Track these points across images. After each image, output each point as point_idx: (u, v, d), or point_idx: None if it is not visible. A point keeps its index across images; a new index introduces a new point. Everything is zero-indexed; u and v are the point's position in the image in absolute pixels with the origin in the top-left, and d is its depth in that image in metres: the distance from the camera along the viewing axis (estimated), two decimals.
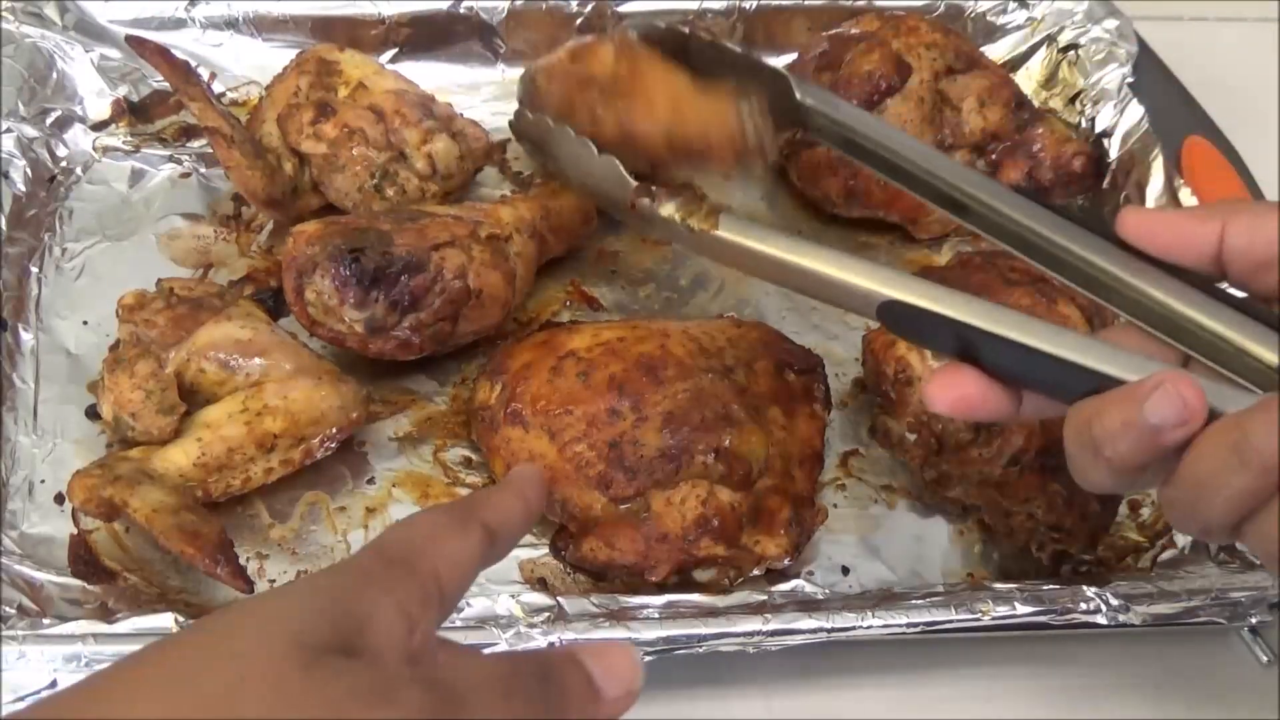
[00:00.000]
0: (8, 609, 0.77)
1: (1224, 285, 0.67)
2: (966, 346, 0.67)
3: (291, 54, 1.06)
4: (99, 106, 1.09)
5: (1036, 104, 1.14)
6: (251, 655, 0.44)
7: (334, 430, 0.86)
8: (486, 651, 0.75)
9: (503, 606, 0.80)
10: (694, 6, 1.19)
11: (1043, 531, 0.85)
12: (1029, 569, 0.89)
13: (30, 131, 1.03)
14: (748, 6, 1.19)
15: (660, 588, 0.82)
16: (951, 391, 0.66)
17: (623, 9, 1.17)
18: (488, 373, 0.91)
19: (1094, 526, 0.85)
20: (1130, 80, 1.13)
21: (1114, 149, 1.10)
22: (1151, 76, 1.14)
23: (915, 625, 0.79)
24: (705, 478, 0.82)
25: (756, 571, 0.84)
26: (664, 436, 0.82)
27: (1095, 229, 0.69)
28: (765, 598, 0.83)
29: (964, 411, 0.68)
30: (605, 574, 0.83)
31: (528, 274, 0.96)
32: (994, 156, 1.07)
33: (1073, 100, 1.17)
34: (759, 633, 0.78)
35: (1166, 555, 0.90)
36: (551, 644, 0.76)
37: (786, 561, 0.83)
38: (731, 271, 1.06)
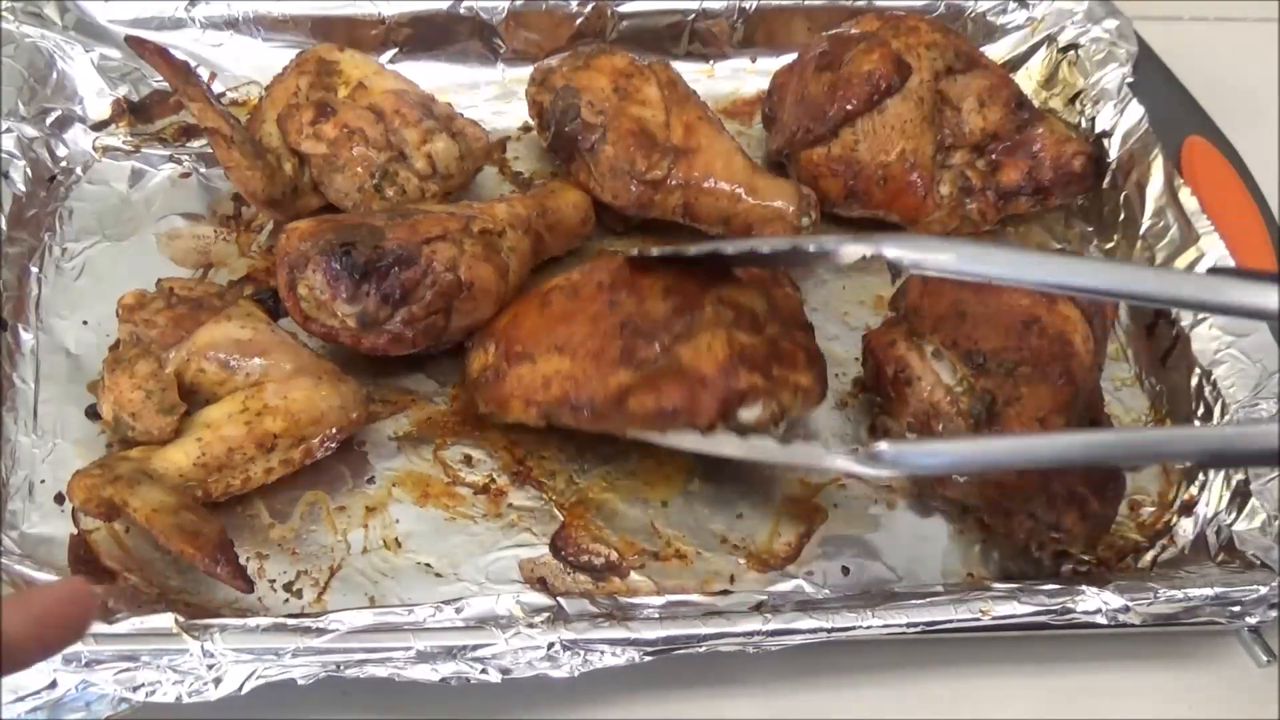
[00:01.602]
0: None
1: None
2: None
3: (291, 54, 1.06)
4: (99, 106, 1.09)
5: (1036, 104, 1.14)
6: None
7: (334, 430, 0.86)
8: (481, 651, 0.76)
9: (503, 606, 0.80)
10: (694, 6, 1.19)
11: (1043, 531, 0.85)
12: (1029, 569, 0.89)
13: (30, 131, 1.03)
14: (748, 6, 1.19)
15: (700, 442, 0.80)
16: None
17: (623, 9, 1.17)
18: (475, 344, 0.91)
19: (1094, 526, 0.85)
20: (1130, 80, 1.13)
21: (1114, 149, 1.10)
22: (1151, 76, 1.14)
23: (915, 625, 0.79)
24: (719, 324, 0.82)
25: (798, 414, 0.85)
26: (668, 300, 0.83)
27: None
28: (765, 598, 0.83)
29: None
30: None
31: (522, 269, 0.96)
32: (994, 156, 1.07)
33: (1073, 100, 1.17)
34: (759, 633, 0.78)
35: (1166, 555, 0.90)
36: (551, 644, 0.76)
37: (816, 405, 0.86)
38: None
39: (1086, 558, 0.89)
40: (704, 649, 0.78)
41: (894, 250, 0.70)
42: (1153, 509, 0.93)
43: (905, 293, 0.95)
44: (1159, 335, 1.01)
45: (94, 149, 1.07)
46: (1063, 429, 0.76)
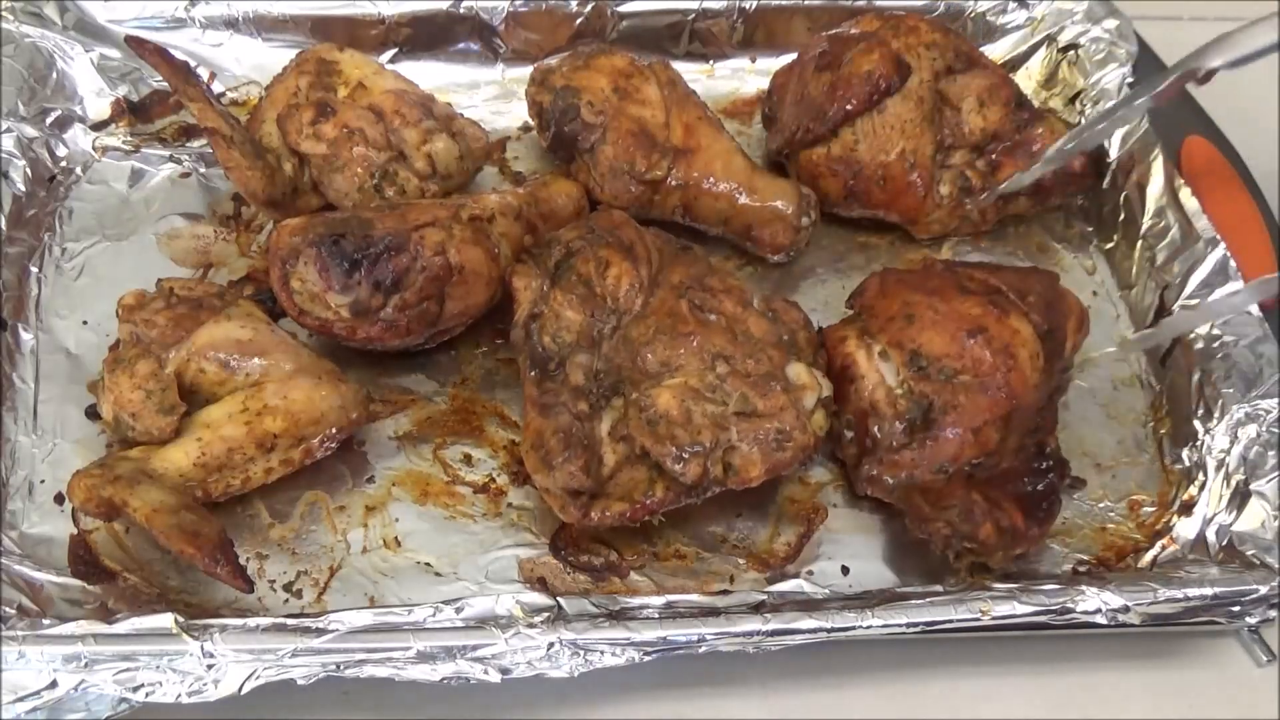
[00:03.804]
0: (8, 609, 0.77)
1: None
2: None
3: (291, 54, 1.06)
4: (99, 106, 1.09)
5: (1036, 104, 1.14)
6: None
7: (334, 430, 0.86)
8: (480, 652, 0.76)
9: (503, 606, 0.80)
10: (694, 6, 1.19)
11: (958, 541, 0.83)
12: (1029, 569, 0.88)
13: (30, 131, 1.03)
14: (748, 6, 1.19)
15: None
16: None
17: (623, 9, 1.18)
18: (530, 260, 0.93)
19: (1011, 542, 0.83)
20: (1130, 80, 1.13)
21: (1114, 149, 1.10)
22: (1151, 77, 1.14)
23: (915, 625, 0.79)
24: None
25: None
26: None
27: None
28: (765, 598, 0.83)
29: None
30: None
31: (515, 256, 0.96)
32: (994, 156, 1.07)
33: (1073, 100, 1.17)
34: (759, 633, 0.78)
35: (1166, 555, 0.90)
36: (551, 644, 0.76)
37: None
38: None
39: (1083, 567, 0.89)
40: (704, 649, 0.78)
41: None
42: (1153, 509, 0.93)
43: (863, 290, 0.95)
44: None
45: (94, 149, 1.07)
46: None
